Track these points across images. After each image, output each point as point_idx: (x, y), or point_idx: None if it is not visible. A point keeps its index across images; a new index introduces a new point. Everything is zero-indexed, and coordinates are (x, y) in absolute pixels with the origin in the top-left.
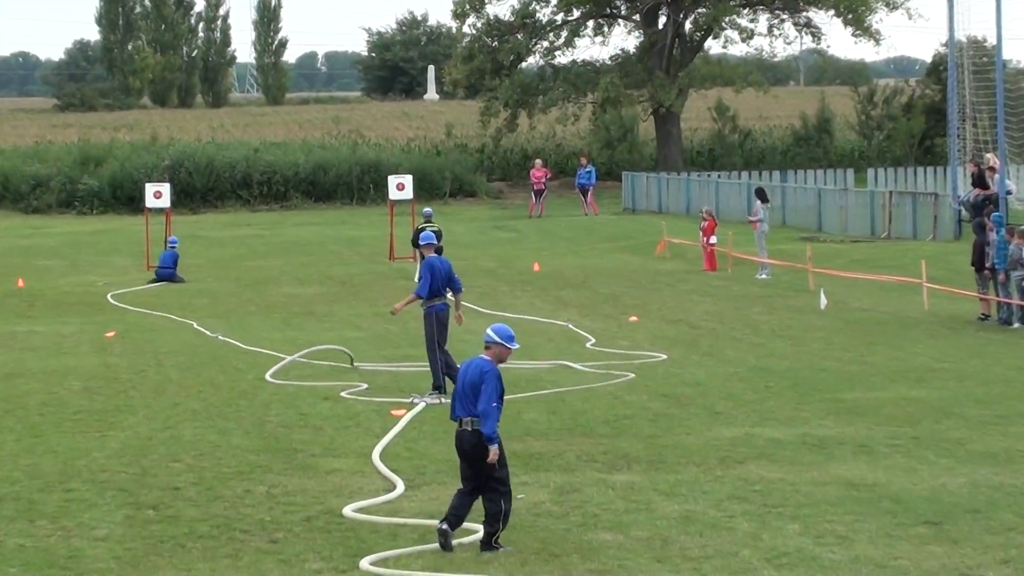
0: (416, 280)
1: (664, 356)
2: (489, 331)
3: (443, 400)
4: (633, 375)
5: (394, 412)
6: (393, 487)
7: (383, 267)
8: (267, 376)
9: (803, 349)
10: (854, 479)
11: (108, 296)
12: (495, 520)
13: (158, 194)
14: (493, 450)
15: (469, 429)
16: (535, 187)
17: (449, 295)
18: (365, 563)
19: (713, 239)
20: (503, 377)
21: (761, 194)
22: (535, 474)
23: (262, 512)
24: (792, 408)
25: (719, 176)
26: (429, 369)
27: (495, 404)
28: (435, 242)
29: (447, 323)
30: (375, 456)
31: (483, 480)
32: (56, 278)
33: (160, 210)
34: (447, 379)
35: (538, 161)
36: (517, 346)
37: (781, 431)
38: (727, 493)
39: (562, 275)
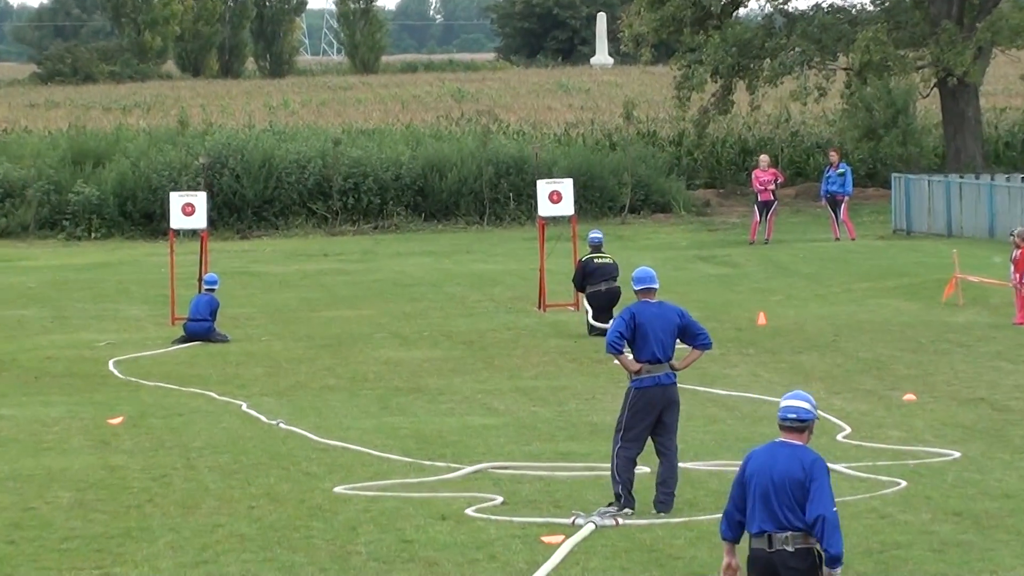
0: (588, 330)
1: (956, 454)
2: (799, 403)
3: (620, 521)
4: (906, 483)
5: (546, 539)
6: None
7: (529, 319)
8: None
9: None
10: None
11: (110, 363)
12: None
13: (189, 208)
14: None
15: (789, 549)
16: (760, 197)
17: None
18: None
19: None
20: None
21: None
22: None
23: None
24: None
25: None
26: (610, 474)
27: (835, 509)
28: (653, 284)
29: (669, 406)
30: None
31: None
32: (34, 336)
33: (192, 233)
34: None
35: (764, 158)
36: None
37: None
38: None
39: (801, 331)
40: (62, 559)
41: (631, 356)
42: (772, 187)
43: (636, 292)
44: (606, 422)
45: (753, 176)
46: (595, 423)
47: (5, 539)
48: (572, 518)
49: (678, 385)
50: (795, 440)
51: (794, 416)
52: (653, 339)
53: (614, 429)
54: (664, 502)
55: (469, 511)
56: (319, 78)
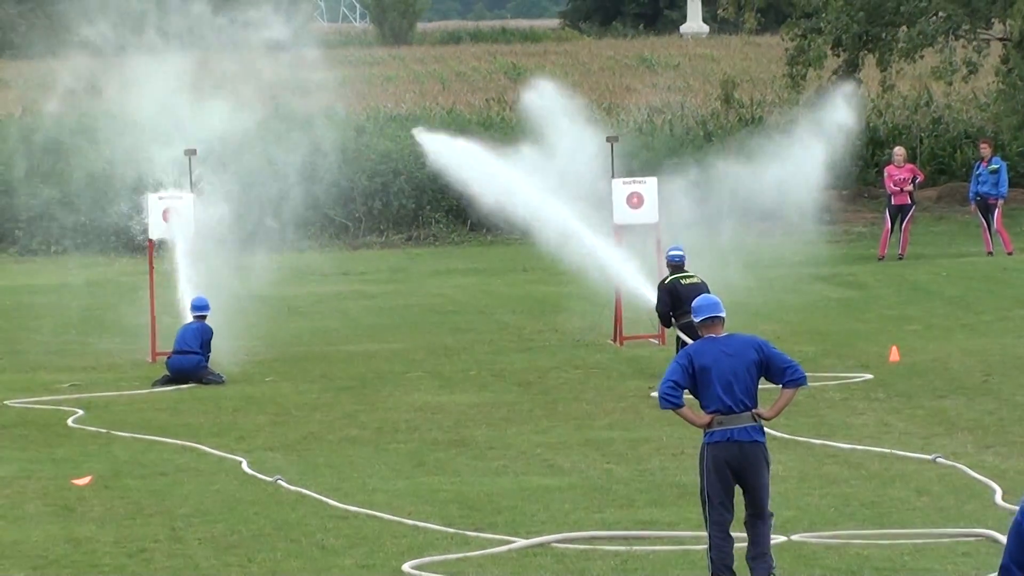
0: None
1: None
2: None
3: None
4: None
5: None
6: None
7: (602, 355)
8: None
9: None
10: None
11: (70, 420)
12: None
13: (172, 215)
14: None
15: None
16: (893, 200)
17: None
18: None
19: None
20: None
21: None
22: None
23: None
24: None
25: None
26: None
27: None
28: (717, 312)
29: (749, 469)
30: None
31: None
32: None
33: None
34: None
35: (899, 151)
36: None
37: None
38: None
39: (944, 369)
40: None
41: (697, 410)
42: (909, 187)
43: (697, 325)
44: (697, 483)
45: (886, 174)
46: (684, 484)
47: None
48: None
49: (785, 436)
50: None
51: None
52: (720, 384)
53: (700, 495)
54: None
55: None
56: (337, 51)
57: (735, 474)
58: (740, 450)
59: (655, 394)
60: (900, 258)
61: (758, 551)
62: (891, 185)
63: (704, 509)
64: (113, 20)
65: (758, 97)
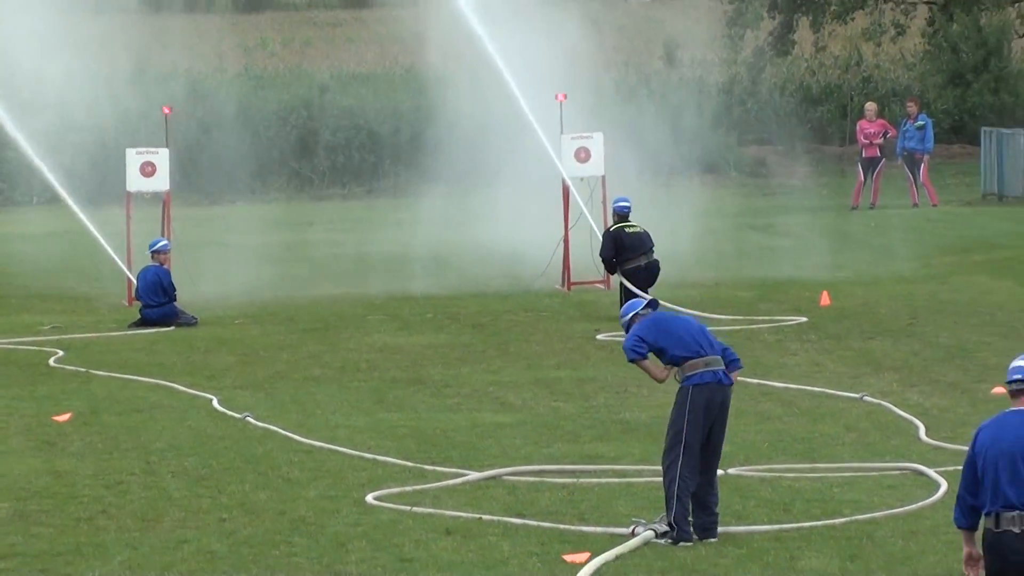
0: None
1: None
2: None
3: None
4: None
5: (568, 558)
6: None
7: (552, 299)
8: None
9: None
10: None
11: (51, 360)
12: None
13: (149, 168)
14: None
15: (1015, 530)
16: (864, 153)
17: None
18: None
19: None
20: None
21: None
22: None
23: None
24: None
25: None
26: (665, 496)
27: None
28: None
29: (722, 415)
30: None
31: None
32: None
33: (155, 196)
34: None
35: (871, 107)
36: None
37: None
38: None
39: (871, 313)
40: None
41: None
42: (879, 141)
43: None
44: (639, 420)
45: (857, 128)
46: (627, 421)
47: None
48: (633, 525)
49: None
50: None
51: (1019, 377)
52: (688, 336)
53: (668, 442)
54: (709, 529)
55: (484, 517)
56: (303, 13)
57: (715, 416)
58: (723, 393)
59: (601, 336)
60: (872, 208)
61: (713, 516)
62: (862, 139)
63: (679, 448)
64: None
65: (700, 57)
